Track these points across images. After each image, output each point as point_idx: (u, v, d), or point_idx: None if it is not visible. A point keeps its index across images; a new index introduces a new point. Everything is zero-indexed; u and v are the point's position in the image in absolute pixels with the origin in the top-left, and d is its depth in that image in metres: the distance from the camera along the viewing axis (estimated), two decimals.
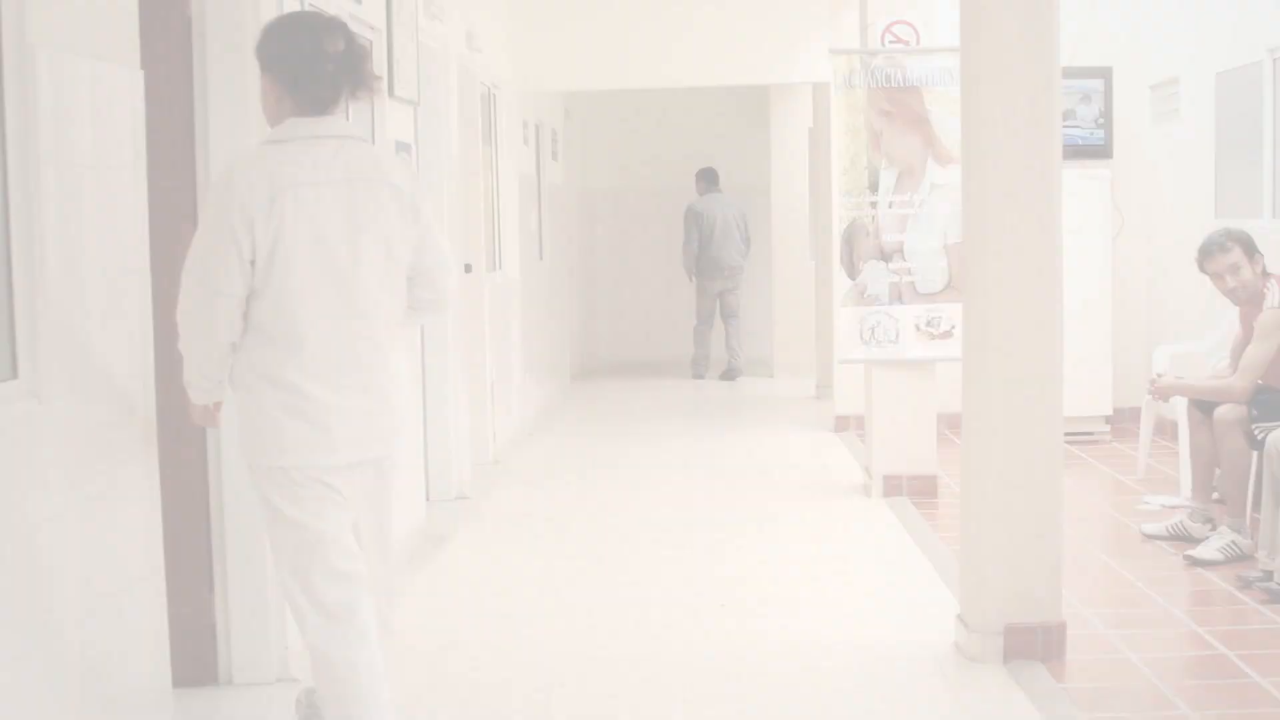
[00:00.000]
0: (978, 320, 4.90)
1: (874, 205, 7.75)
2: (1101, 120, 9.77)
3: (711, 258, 13.84)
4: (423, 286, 3.86)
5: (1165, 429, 9.12)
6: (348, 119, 3.91)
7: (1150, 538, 6.66)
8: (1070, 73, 9.82)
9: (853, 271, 7.80)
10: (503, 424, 9.60)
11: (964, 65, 4.95)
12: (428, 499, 8.03)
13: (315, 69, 3.62)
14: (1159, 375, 7.41)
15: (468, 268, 8.92)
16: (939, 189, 7.68)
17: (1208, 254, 6.53)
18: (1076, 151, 9.80)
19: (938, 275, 7.71)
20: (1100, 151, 9.79)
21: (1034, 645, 4.81)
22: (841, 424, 10.26)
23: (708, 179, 14.01)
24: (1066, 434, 9.33)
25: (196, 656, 4.88)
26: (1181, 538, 6.52)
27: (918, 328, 7.75)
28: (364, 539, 3.84)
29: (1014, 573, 4.86)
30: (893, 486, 7.81)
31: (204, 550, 4.85)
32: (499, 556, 6.73)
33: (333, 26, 3.68)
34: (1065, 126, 9.82)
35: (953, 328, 7.72)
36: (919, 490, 7.79)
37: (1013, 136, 4.80)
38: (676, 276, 15.16)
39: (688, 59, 10.44)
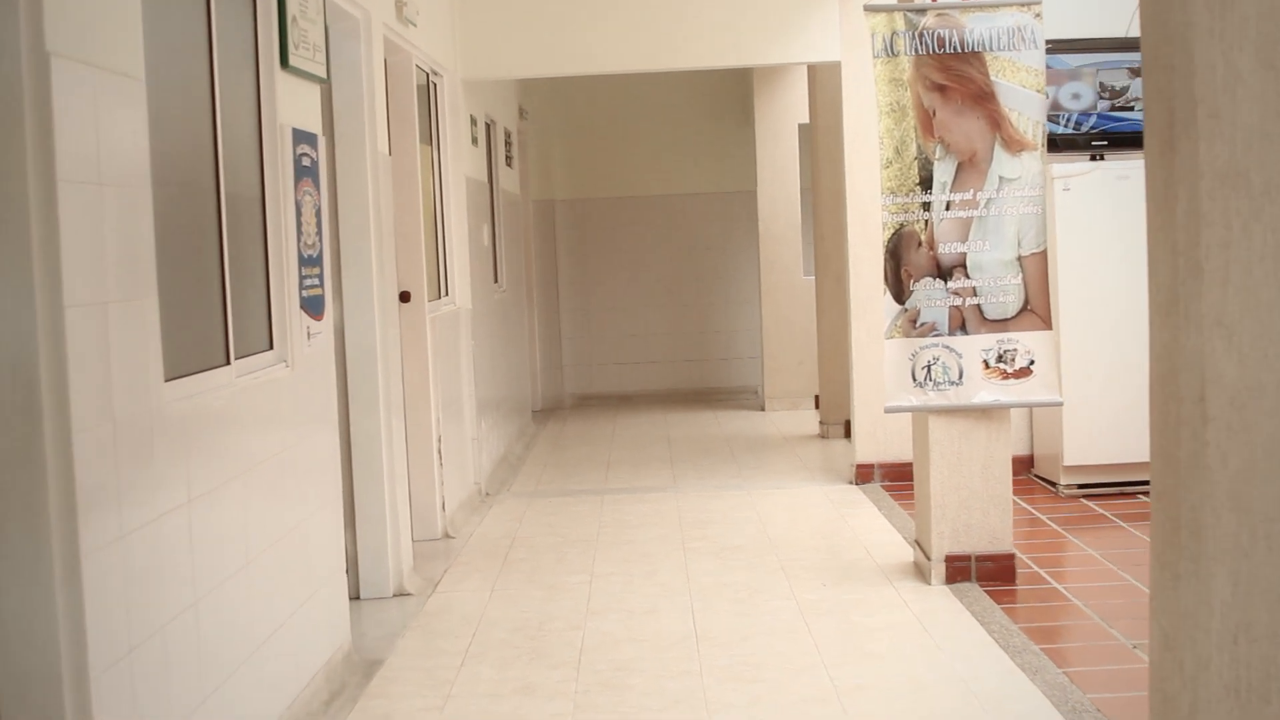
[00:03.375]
0: (1187, 373, 3.13)
1: (927, 207, 6.01)
2: None
3: None
4: None
5: None
6: None
7: None
8: (1126, 44, 8.16)
9: (901, 293, 6.04)
10: (453, 487, 7.79)
11: None
12: (358, 597, 6.24)
13: None
14: None
15: (405, 296, 7.15)
16: (1010, 184, 5.95)
17: None
18: (1137, 139, 8.11)
19: (1010, 295, 5.97)
20: None
21: None
22: (864, 474, 8.50)
23: None
24: (1132, 484, 7.72)
25: None
26: None
27: (987, 364, 6.00)
28: None
29: None
30: (958, 570, 6.05)
31: None
32: (450, 694, 4.91)
33: None
34: (1119, 109, 8.15)
35: (1031, 363, 5.98)
36: (992, 574, 6.04)
37: (1240, 87, 3.04)
38: (650, 299, 13.40)
39: (661, 39, 8.68)
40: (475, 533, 7.56)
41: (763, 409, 12.22)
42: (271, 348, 4.60)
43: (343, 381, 6.12)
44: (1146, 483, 7.73)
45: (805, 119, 11.75)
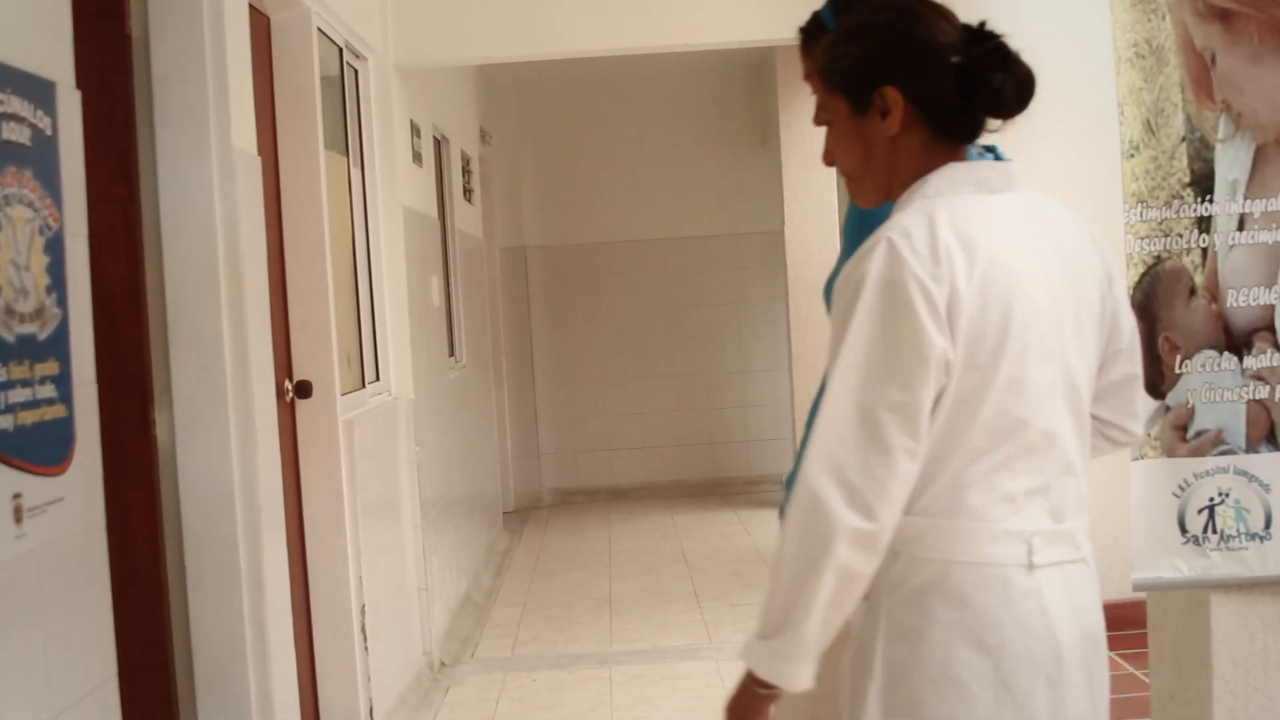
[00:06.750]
0: None
1: (1205, 225, 3.41)
2: None
3: None
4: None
5: None
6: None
7: None
8: None
9: (1161, 379, 3.44)
10: (387, 676, 5.12)
11: None
12: None
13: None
14: None
15: (304, 388, 4.56)
16: None
17: None
18: None
19: None
20: None
21: None
22: None
23: None
24: None
25: None
26: None
27: None
28: None
29: None
30: None
31: None
32: None
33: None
34: None
35: None
36: None
37: None
38: (647, 369, 10.76)
39: (659, 7, 6.15)
40: None
41: None
42: None
43: (177, 551, 3.48)
44: None
45: None
